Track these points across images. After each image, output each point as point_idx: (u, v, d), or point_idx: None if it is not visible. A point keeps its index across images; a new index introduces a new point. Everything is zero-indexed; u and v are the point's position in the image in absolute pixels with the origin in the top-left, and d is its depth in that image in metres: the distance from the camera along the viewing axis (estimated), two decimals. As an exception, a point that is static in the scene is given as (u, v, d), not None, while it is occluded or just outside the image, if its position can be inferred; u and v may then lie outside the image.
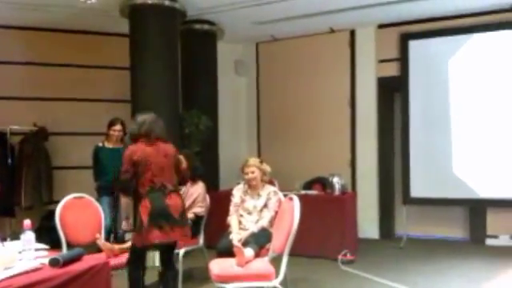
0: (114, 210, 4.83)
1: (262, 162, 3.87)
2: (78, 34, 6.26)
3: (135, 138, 3.26)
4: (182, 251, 3.91)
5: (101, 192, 4.81)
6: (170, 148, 3.34)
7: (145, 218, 3.04)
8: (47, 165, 5.94)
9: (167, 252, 3.34)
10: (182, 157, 3.82)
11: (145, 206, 3.07)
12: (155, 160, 3.16)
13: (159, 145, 3.27)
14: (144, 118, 3.32)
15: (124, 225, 3.64)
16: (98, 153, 4.86)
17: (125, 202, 3.52)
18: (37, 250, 2.48)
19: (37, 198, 5.78)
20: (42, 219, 5.61)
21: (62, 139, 6.13)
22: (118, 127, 4.84)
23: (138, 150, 3.17)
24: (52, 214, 4.17)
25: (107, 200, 4.76)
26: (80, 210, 3.73)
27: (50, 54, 6.17)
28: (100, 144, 4.89)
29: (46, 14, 5.58)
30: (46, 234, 4.16)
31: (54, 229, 3.65)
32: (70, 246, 3.51)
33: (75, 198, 3.75)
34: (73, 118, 6.20)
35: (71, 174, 6.06)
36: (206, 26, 6.11)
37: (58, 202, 3.76)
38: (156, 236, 3.04)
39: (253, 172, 3.78)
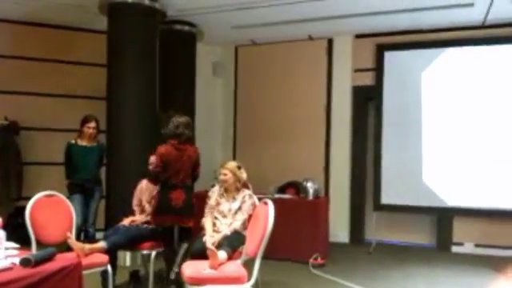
0: (86, 208, 4.76)
1: (239, 167, 3.87)
2: (54, 28, 6.14)
3: (167, 138, 3.81)
4: (153, 252, 3.90)
5: (72, 190, 4.74)
6: (194, 151, 3.90)
7: (156, 205, 3.80)
8: (17, 160, 5.79)
9: (180, 232, 3.85)
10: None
11: (159, 194, 3.80)
12: (176, 164, 3.76)
13: (186, 149, 3.82)
14: (179, 121, 3.86)
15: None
16: (70, 150, 4.79)
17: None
18: (7, 248, 2.43)
19: (5, 193, 5.64)
20: (10, 216, 5.47)
21: (34, 134, 6.00)
22: (92, 124, 4.77)
23: (166, 153, 3.75)
24: (20, 210, 4.08)
25: (78, 198, 4.69)
26: (51, 208, 3.64)
27: (25, 47, 6.04)
28: (72, 141, 4.81)
29: (21, 6, 5.45)
30: (14, 231, 4.04)
31: (21, 226, 3.56)
32: (39, 244, 3.45)
33: (46, 195, 3.66)
34: (46, 113, 6.08)
35: (42, 170, 5.94)
36: (185, 28, 6.09)
37: (26, 198, 3.68)
38: (158, 220, 3.79)
39: (225, 174, 3.82)
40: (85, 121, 4.78)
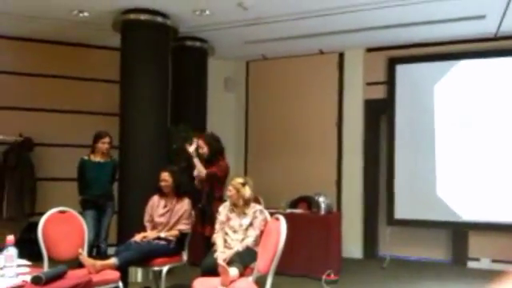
0: (98, 224, 4.77)
1: (244, 184, 3.79)
2: (67, 45, 6.24)
3: (218, 154, 4.26)
4: (165, 269, 3.88)
5: (85, 206, 4.76)
6: None
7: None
8: (31, 176, 5.86)
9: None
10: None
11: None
12: None
13: None
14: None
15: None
16: (83, 166, 4.80)
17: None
18: (19, 266, 2.43)
19: (19, 209, 5.69)
20: (23, 231, 5.51)
21: (48, 150, 6.07)
22: (106, 140, 4.78)
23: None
24: (33, 226, 4.10)
25: (91, 214, 4.69)
26: (63, 224, 3.66)
27: (39, 64, 6.14)
28: (85, 157, 4.81)
29: (36, 25, 5.55)
30: (26, 246, 4.07)
31: (34, 241, 3.58)
32: (51, 260, 3.46)
33: (59, 211, 3.68)
34: (59, 129, 6.14)
35: (55, 186, 5.98)
36: (197, 43, 6.14)
37: (40, 213, 3.70)
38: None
39: (230, 190, 3.81)
40: (98, 136, 4.79)
